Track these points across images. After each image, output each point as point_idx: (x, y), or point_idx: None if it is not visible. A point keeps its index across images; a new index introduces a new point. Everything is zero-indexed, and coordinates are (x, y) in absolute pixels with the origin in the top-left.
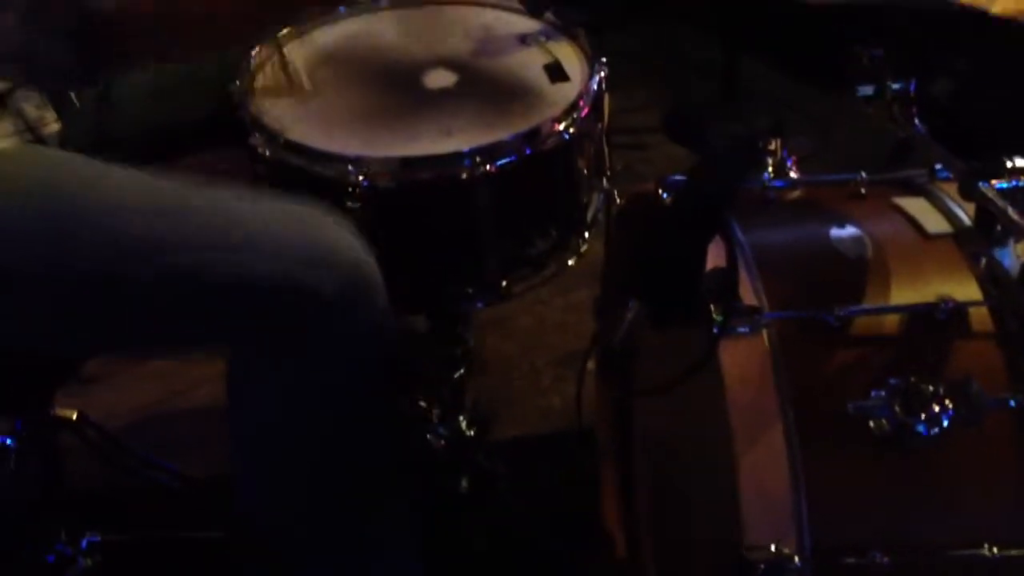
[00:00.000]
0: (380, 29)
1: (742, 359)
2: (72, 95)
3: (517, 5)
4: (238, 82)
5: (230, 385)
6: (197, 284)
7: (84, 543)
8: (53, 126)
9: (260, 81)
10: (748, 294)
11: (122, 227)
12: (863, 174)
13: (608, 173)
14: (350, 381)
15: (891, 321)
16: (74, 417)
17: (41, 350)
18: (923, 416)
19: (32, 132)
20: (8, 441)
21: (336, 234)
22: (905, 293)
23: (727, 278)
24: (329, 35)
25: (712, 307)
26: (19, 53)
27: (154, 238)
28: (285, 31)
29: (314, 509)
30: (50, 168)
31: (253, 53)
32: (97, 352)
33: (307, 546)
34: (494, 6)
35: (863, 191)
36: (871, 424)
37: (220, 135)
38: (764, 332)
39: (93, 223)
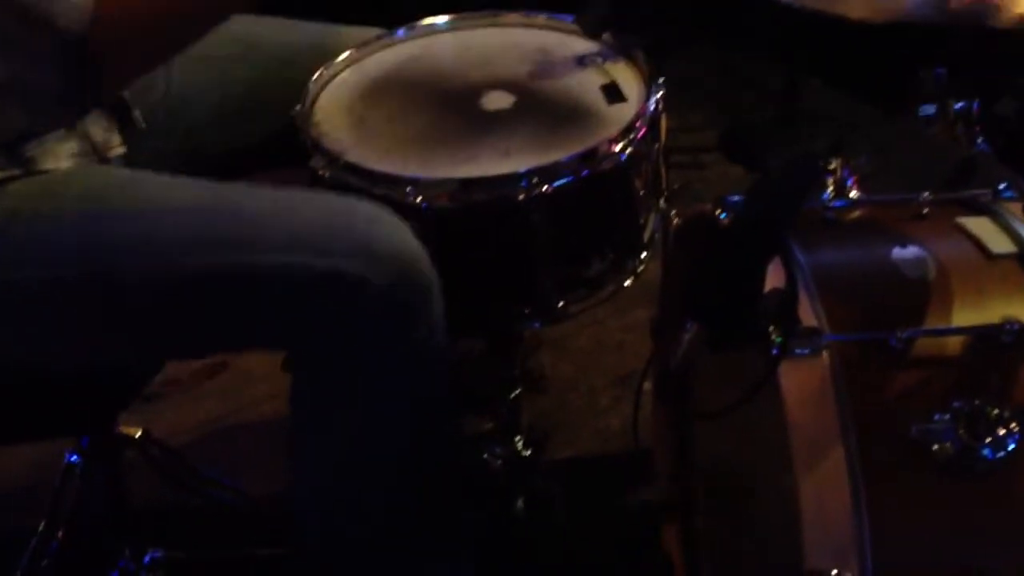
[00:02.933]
0: (438, 51)
1: (802, 381)
2: (139, 117)
3: (575, 27)
4: (300, 105)
5: (293, 390)
6: (251, 282)
7: (147, 559)
8: (118, 148)
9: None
10: (808, 315)
11: (173, 229)
12: (925, 194)
13: (665, 193)
14: (407, 380)
15: (954, 343)
16: (138, 435)
17: (102, 362)
18: (988, 440)
19: (97, 154)
20: (74, 458)
21: (388, 228)
22: (969, 314)
23: (786, 299)
24: (388, 58)
25: (771, 329)
26: (7, 87)
27: (206, 238)
28: (346, 55)
29: (371, 519)
30: (106, 181)
31: (315, 77)
32: (155, 358)
33: (363, 559)
34: (552, 28)
35: (925, 211)
36: (934, 448)
37: (282, 157)
38: (824, 354)
39: (145, 227)
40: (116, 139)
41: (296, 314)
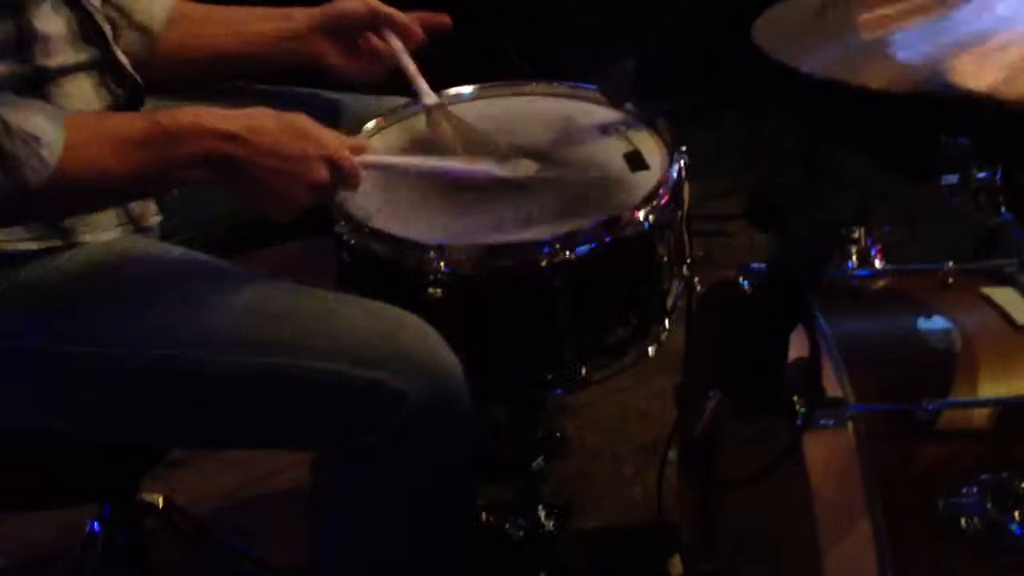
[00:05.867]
0: (465, 120)
1: (827, 452)
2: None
3: (598, 96)
4: None
5: (317, 486)
6: (288, 386)
7: None
8: (155, 218)
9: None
10: (833, 385)
11: (215, 325)
12: (950, 263)
13: (688, 260)
14: (431, 484)
15: (981, 415)
16: (160, 503)
17: (137, 439)
18: (1016, 515)
19: (134, 223)
20: (96, 526)
21: (424, 339)
22: (995, 386)
23: (810, 369)
24: (415, 125)
25: (796, 398)
26: None
27: (248, 338)
28: (372, 123)
29: None
30: (150, 262)
31: None
32: (185, 445)
33: None
34: (575, 97)
35: (950, 281)
36: (962, 522)
37: (310, 223)
38: (849, 425)
39: (189, 319)
40: (152, 208)
41: (332, 420)
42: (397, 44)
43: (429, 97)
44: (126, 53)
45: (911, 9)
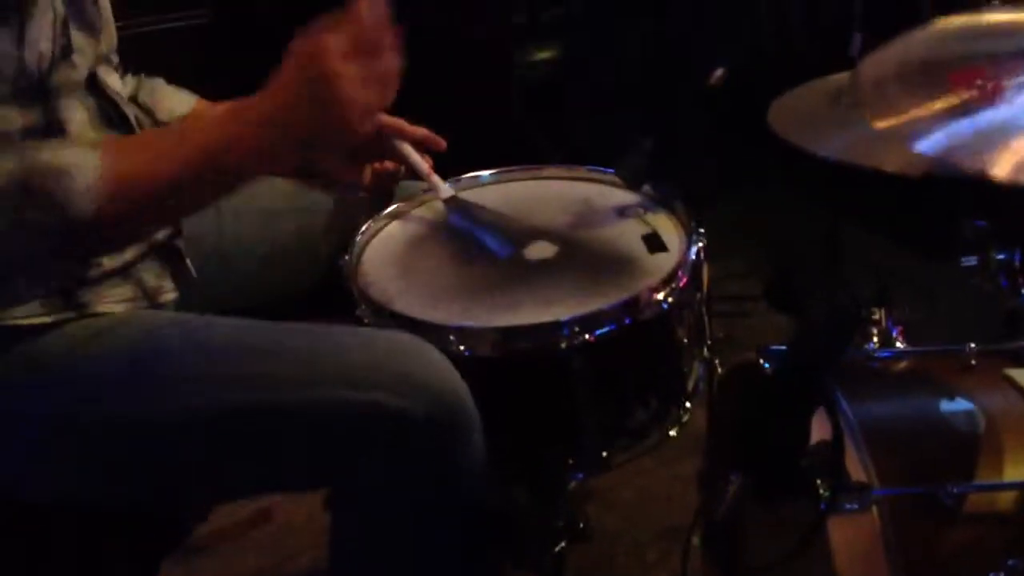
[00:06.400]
0: (483, 203)
1: (852, 537)
2: (191, 264)
3: (615, 179)
4: (347, 256)
5: (332, 527)
6: (295, 419)
7: None
8: (170, 294)
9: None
10: (856, 469)
11: (220, 368)
12: (972, 344)
13: (709, 342)
14: (445, 512)
15: (1006, 499)
16: None
17: (146, 503)
18: None
19: (149, 299)
20: None
21: (427, 361)
22: (1020, 469)
23: (833, 452)
24: (434, 210)
25: (819, 482)
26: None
27: (252, 377)
28: (392, 207)
29: None
30: (156, 324)
31: (362, 229)
32: (204, 499)
33: None
34: (593, 180)
35: (973, 362)
36: None
37: (328, 305)
38: (874, 509)
39: (191, 366)
40: (168, 285)
41: (338, 449)
42: (406, 147)
43: (445, 192)
44: None
45: (929, 104)
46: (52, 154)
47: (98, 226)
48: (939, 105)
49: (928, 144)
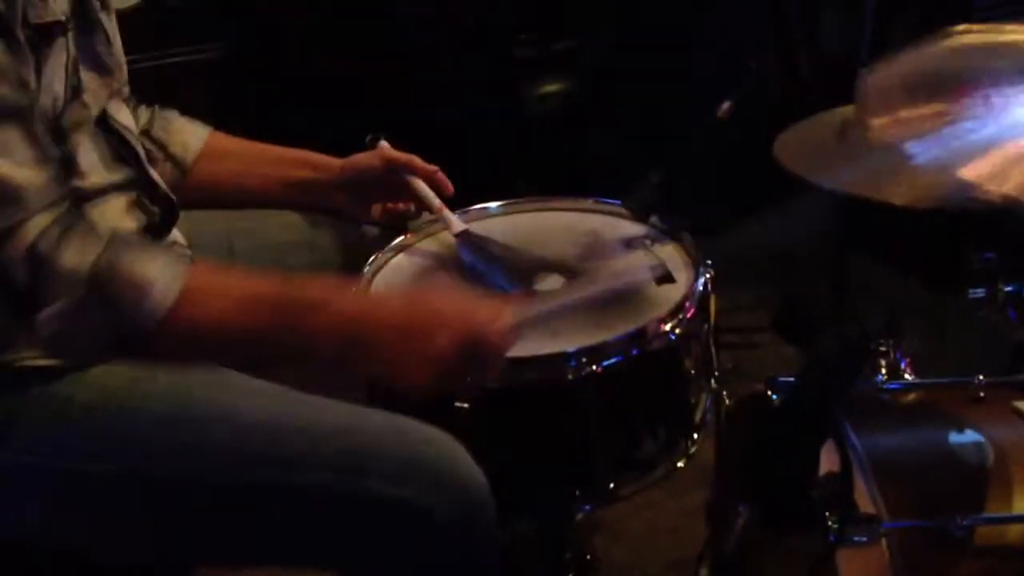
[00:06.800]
0: (490, 235)
1: (861, 569)
2: None
3: (622, 210)
4: (354, 288)
5: None
6: (314, 503)
7: None
8: None
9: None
10: (865, 501)
11: (252, 442)
12: (981, 376)
13: (716, 373)
14: None
15: (1016, 531)
16: None
17: (161, 558)
18: None
19: None
20: None
21: (457, 461)
22: None
23: (842, 484)
24: (440, 242)
25: (828, 514)
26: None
27: (282, 454)
28: (399, 239)
29: None
30: (189, 382)
31: (370, 260)
32: (208, 561)
33: None
34: (600, 211)
35: (982, 394)
36: None
37: None
38: (883, 541)
39: (226, 437)
40: None
41: (358, 536)
42: (417, 182)
43: (457, 226)
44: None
45: (925, 115)
46: (138, 260)
47: (149, 344)
48: (943, 118)
49: (928, 156)
